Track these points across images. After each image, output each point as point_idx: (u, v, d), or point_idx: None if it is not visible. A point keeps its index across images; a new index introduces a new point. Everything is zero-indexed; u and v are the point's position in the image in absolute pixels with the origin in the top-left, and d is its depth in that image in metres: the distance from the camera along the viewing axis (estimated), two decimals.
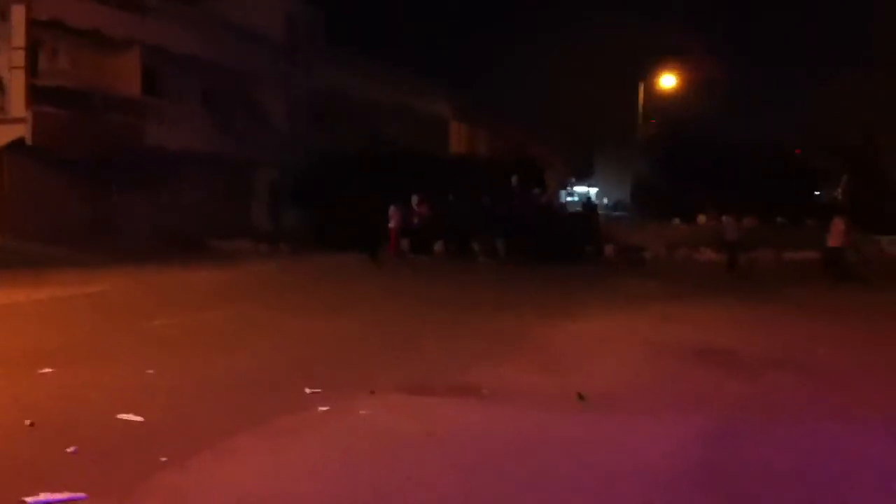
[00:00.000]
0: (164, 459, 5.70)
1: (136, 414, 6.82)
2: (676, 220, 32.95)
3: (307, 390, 7.84)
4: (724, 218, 23.71)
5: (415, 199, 25.68)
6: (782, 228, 27.68)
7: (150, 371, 8.57)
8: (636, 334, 11.19)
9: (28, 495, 4.99)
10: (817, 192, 48.64)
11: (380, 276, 20.10)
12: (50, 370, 8.43)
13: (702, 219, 34.99)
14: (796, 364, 9.37)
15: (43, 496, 5.01)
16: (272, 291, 16.46)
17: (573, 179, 77.36)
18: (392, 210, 25.43)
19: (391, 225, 25.46)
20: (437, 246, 25.87)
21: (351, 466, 5.71)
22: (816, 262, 19.81)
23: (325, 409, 7.21)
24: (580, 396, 7.68)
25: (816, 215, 34.52)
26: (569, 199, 73.36)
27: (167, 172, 29.50)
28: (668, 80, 55.34)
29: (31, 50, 25.31)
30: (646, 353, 9.94)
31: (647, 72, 54.11)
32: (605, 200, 76.31)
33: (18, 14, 24.63)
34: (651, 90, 54.98)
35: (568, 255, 23.10)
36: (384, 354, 9.96)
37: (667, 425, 6.81)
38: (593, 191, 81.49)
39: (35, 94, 25.04)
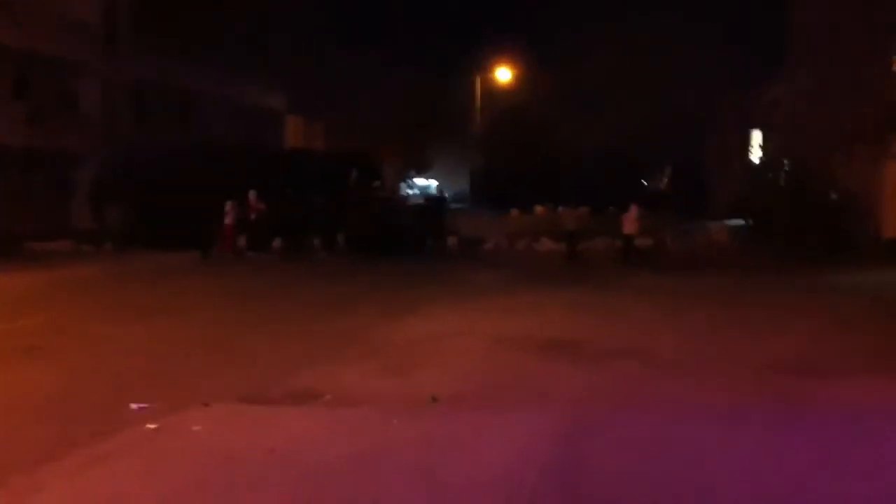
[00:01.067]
0: None
1: None
2: (515, 211, 33.39)
3: (133, 406, 7.10)
4: (560, 208, 24.14)
5: (252, 195, 24.65)
6: (614, 217, 28.54)
7: None
8: (481, 329, 10.93)
9: None
10: (644, 182, 50.88)
11: (209, 276, 19.04)
12: None
13: (539, 209, 35.69)
14: (637, 352, 9.37)
15: None
16: (89, 296, 15.16)
17: (413, 172, 77.46)
18: (228, 206, 24.31)
19: (227, 221, 24.34)
20: (276, 242, 24.98)
21: (179, 497, 5.07)
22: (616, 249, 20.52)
23: (153, 426, 6.49)
24: (433, 399, 7.30)
25: (645, 204, 35.93)
26: (409, 191, 73.46)
27: None
28: (503, 74, 56.23)
29: None
30: (492, 349, 9.70)
31: (482, 65, 54.84)
32: (446, 193, 76.88)
33: None
34: (489, 85, 55.73)
35: (410, 248, 22.81)
36: (215, 361, 9.25)
37: (516, 424, 6.52)
38: (433, 183, 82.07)
39: None
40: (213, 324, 11.70)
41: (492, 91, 56.09)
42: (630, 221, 19.76)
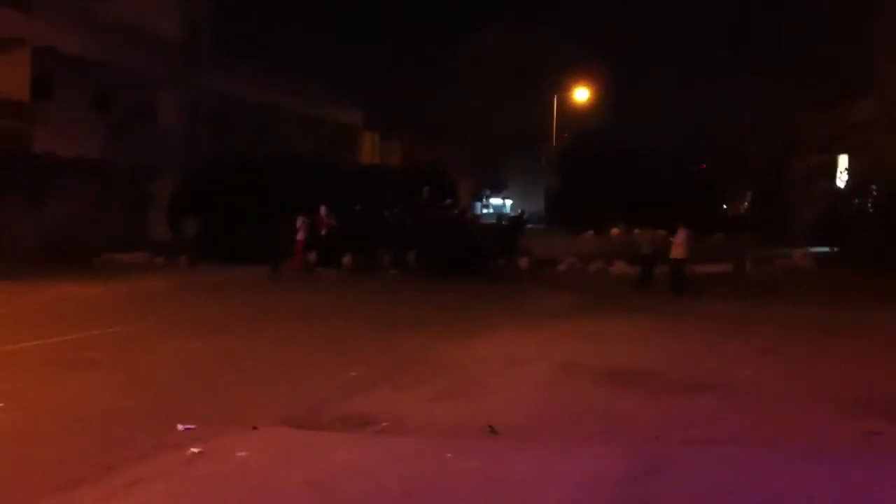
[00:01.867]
0: None
1: None
2: (590, 233, 32.65)
3: (179, 427, 6.82)
4: (636, 231, 23.37)
5: (323, 210, 24.58)
6: (692, 241, 27.67)
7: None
8: (548, 355, 10.40)
9: None
10: (724, 206, 49.44)
11: (276, 292, 18.91)
12: None
13: (615, 231, 34.86)
14: (713, 384, 8.74)
15: None
16: (156, 310, 15.12)
17: (488, 192, 77.19)
18: (300, 221, 24.27)
19: (298, 237, 24.30)
20: (346, 259, 24.83)
21: None
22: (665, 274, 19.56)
23: (196, 450, 6.19)
24: (491, 429, 6.84)
25: (724, 229, 34.81)
26: (484, 211, 73.21)
27: (58, 181, 27.78)
28: (581, 94, 55.62)
29: None
30: (557, 377, 9.18)
31: (561, 84, 54.32)
32: (518, 212, 76.34)
33: None
34: (564, 103, 55.22)
35: (480, 268, 22.36)
36: (272, 380, 8.98)
37: (584, 460, 6.02)
38: (508, 203, 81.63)
39: None
40: (273, 342, 11.48)
41: (569, 111, 55.51)
42: (677, 245, 18.78)
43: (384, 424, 7.13)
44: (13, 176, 25.95)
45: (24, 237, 25.90)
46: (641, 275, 20.23)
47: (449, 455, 6.08)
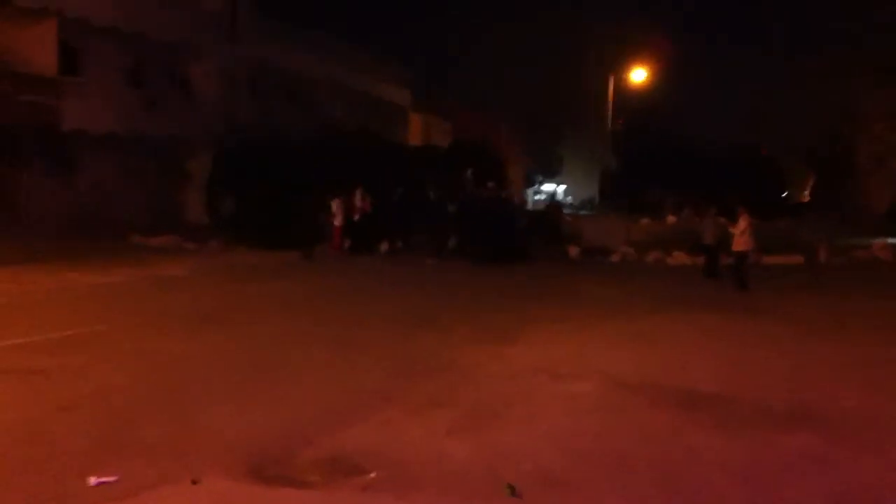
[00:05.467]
0: None
1: None
2: (646, 220, 30.67)
3: (91, 480, 5.14)
4: (698, 219, 21.33)
5: (357, 193, 22.96)
6: (757, 230, 25.48)
7: None
8: (594, 368, 8.55)
9: None
10: (785, 193, 47.20)
11: (299, 281, 17.24)
12: None
13: (671, 218, 32.82)
14: (809, 414, 6.86)
15: None
16: (161, 302, 13.54)
17: (541, 177, 75.05)
18: (336, 204, 22.69)
19: (336, 222, 22.73)
20: (383, 245, 23.19)
21: None
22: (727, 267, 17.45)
23: None
24: (510, 489, 5.08)
25: (788, 215, 32.55)
26: (536, 196, 71.22)
27: (87, 158, 26.62)
28: (638, 74, 53.38)
29: None
30: (606, 402, 7.31)
31: (616, 65, 52.11)
32: (570, 199, 74.43)
33: None
34: (621, 84, 53.05)
35: (525, 256, 20.51)
36: (253, 396, 7.30)
37: None
38: (561, 188, 79.41)
39: None
40: (272, 342, 9.80)
41: (626, 92, 53.26)
42: (739, 235, 16.58)
43: (373, 475, 5.40)
44: (41, 153, 24.81)
45: (52, 218, 24.77)
46: (706, 267, 18.24)
47: None
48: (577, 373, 8.27)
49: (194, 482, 5.08)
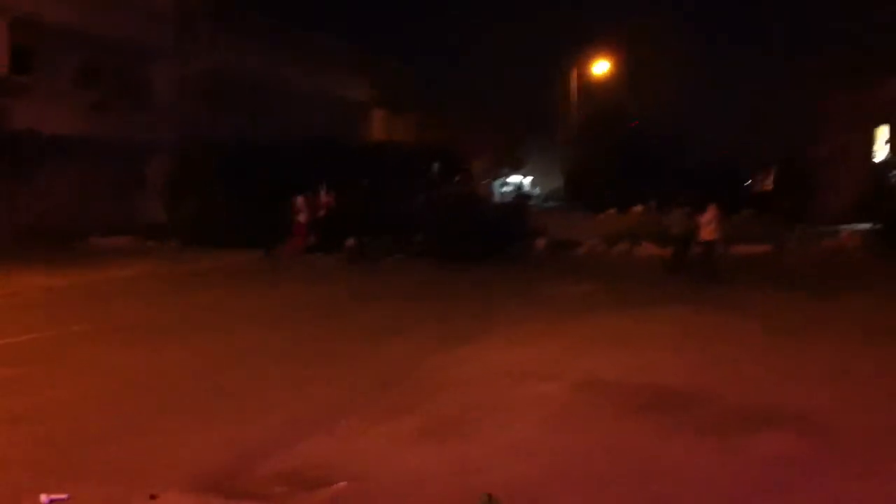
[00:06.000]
0: None
1: None
2: (612, 211, 30.55)
3: (43, 499, 4.80)
4: (665, 210, 21.21)
5: (322, 190, 22.55)
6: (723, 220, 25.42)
7: None
8: (564, 368, 8.28)
9: None
10: (748, 182, 47.60)
11: (259, 282, 16.82)
12: None
13: (637, 209, 32.77)
14: (787, 415, 6.65)
15: None
16: (117, 304, 13.18)
17: (506, 169, 74.81)
18: (300, 202, 22.28)
19: (300, 219, 22.31)
20: (349, 242, 22.80)
21: None
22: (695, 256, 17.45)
23: None
24: (489, 499, 4.78)
25: (751, 205, 32.74)
26: (503, 189, 71.03)
27: (40, 159, 25.89)
28: (601, 66, 53.47)
29: None
30: (576, 404, 7.05)
31: (579, 57, 52.11)
32: (538, 190, 74.40)
33: None
34: (584, 77, 53.09)
35: (492, 252, 20.23)
36: (210, 407, 6.96)
37: None
38: (527, 180, 79.28)
39: None
40: (230, 349, 9.46)
41: (588, 85, 53.27)
42: (707, 225, 16.71)
43: (340, 484, 5.09)
44: None
45: (3, 221, 24.08)
46: (673, 258, 18.11)
47: None
48: (546, 375, 8.00)
49: (152, 497, 4.75)
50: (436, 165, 24.17)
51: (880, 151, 38.06)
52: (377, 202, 23.13)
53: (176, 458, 5.64)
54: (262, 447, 5.86)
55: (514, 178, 77.15)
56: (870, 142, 38.51)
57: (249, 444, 5.94)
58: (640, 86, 52.16)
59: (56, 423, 6.37)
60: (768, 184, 50.05)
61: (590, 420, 6.57)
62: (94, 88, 28.15)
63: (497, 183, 71.11)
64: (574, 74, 51.92)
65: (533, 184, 79.18)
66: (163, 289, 15.54)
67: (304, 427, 6.36)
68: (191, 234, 24.34)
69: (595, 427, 6.38)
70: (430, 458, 5.65)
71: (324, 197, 22.46)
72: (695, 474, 5.38)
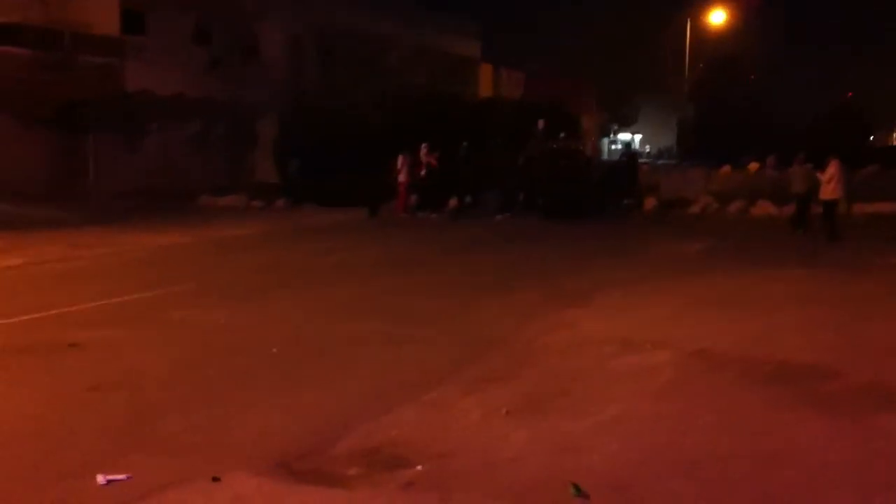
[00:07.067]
0: None
1: None
2: (726, 168, 29.24)
3: (100, 479, 4.54)
4: (786, 167, 19.97)
5: (423, 148, 22.19)
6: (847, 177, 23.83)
7: None
8: (673, 336, 7.63)
9: None
10: (871, 137, 45.05)
11: (362, 241, 16.58)
12: None
13: (753, 165, 31.34)
14: None
15: None
16: (217, 265, 13.14)
17: (616, 126, 72.98)
18: (401, 161, 22.00)
19: (400, 178, 22.05)
20: (452, 201, 22.44)
21: None
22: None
23: None
24: (577, 490, 4.32)
25: (874, 161, 30.84)
26: (612, 146, 69.42)
27: (154, 120, 26.45)
28: (717, 16, 51.18)
29: None
30: (691, 373, 6.45)
31: (694, 7, 50.03)
32: (647, 148, 72.46)
33: None
34: (699, 27, 50.98)
35: (595, 210, 19.50)
36: (293, 375, 6.68)
37: None
38: (637, 138, 77.24)
39: None
40: (320, 311, 9.20)
41: (703, 36, 51.11)
42: (828, 182, 15.45)
43: (419, 468, 4.71)
44: (106, 116, 24.67)
45: (119, 180, 24.72)
46: (795, 217, 17.04)
47: None
48: (652, 343, 7.41)
49: (215, 479, 4.48)
50: (541, 122, 23.40)
51: None
52: (481, 160, 22.64)
53: (250, 432, 5.35)
54: (343, 420, 5.53)
55: (624, 136, 75.27)
56: None
57: (330, 416, 5.62)
58: (761, 42, 49.72)
59: (135, 392, 6.19)
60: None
61: (701, 395, 5.96)
62: (207, 49, 28.49)
63: (606, 140, 69.51)
64: (688, 26, 49.88)
65: (643, 141, 77.13)
66: (262, 248, 15.51)
67: (389, 396, 6.01)
68: (299, 192, 24.50)
69: (707, 403, 5.77)
70: (522, 435, 5.19)
71: (425, 156, 22.06)
72: (829, 458, 4.76)
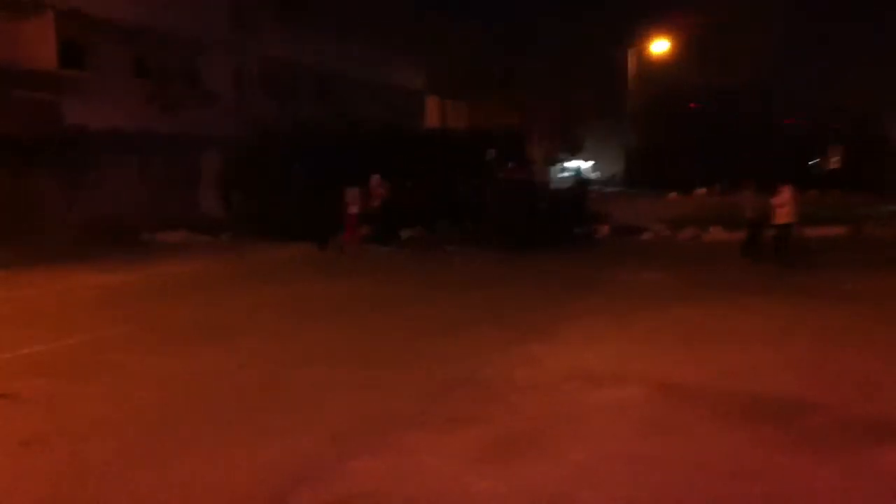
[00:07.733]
0: None
1: None
2: (673, 194, 29.50)
3: None
4: (741, 191, 20.09)
5: (374, 180, 21.87)
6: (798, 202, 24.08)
7: None
8: (640, 370, 7.42)
9: None
10: (812, 162, 46.15)
11: (313, 277, 16.11)
12: None
13: (701, 191, 31.65)
14: None
15: None
16: (161, 304, 12.54)
17: (564, 154, 73.49)
18: (351, 194, 21.62)
19: (352, 210, 21.65)
20: (404, 233, 22.10)
21: None
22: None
23: None
24: None
25: (816, 186, 31.44)
26: (561, 174, 69.79)
27: (94, 155, 25.70)
28: (659, 45, 52.04)
29: None
30: (659, 413, 6.19)
31: (636, 37, 50.80)
32: (598, 173, 73.09)
33: None
34: (642, 58, 51.79)
35: (552, 240, 19.33)
36: (246, 422, 6.26)
37: None
38: (587, 164, 77.84)
39: None
40: (282, 352, 8.77)
41: (647, 65, 51.88)
42: (782, 207, 15.65)
43: None
44: (44, 152, 23.91)
45: (59, 218, 23.91)
46: (748, 243, 17.05)
47: None
48: (623, 377, 7.17)
49: None
50: (492, 152, 23.26)
51: None
52: (431, 191, 22.39)
53: (208, 485, 4.96)
54: (307, 469, 5.17)
55: (573, 163, 75.80)
56: None
57: (293, 466, 5.24)
58: (702, 63, 50.55)
59: (81, 445, 5.74)
60: (835, 162, 48.28)
61: (679, 433, 5.71)
62: (148, 82, 27.92)
63: (555, 168, 69.89)
64: (633, 54, 50.62)
65: (592, 168, 77.79)
66: (213, 286, 14.99)
67: (356, 442, 5.65)
68: (245, 227, 23.97)
69: (686, 442, 5.52)
70: (495, 480, 4.88)
71: (377, 187, 21.75)
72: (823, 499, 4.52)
